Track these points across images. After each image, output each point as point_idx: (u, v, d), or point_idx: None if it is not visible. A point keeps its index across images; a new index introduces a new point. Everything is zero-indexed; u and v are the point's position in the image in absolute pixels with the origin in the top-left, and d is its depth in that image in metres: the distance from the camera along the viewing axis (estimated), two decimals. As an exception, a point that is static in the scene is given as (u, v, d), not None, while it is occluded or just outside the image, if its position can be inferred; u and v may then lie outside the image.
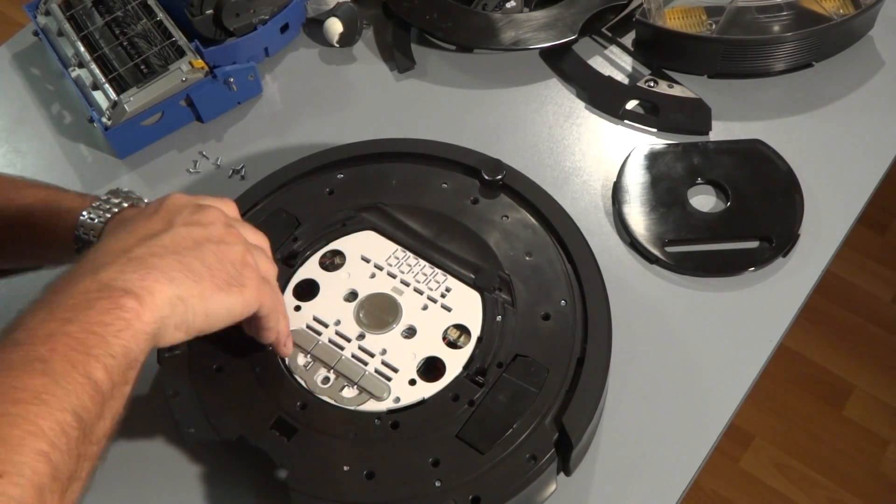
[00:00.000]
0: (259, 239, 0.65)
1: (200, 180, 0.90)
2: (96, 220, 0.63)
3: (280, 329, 0.64)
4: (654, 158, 0.86)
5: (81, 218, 0.64)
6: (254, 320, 0.61)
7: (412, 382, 0.68)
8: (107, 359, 0.45)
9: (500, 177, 0.78)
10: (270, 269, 0.64)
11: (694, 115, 0.89)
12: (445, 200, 0.78)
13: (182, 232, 0.53)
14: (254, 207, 0.79)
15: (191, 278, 0.51)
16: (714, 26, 0.93)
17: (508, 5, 0.99)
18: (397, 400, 0.67)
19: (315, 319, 0.72)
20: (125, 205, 0.66)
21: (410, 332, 0.71)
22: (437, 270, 0.73)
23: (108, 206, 0.65)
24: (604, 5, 0.96)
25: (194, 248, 0.52)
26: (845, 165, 0.86)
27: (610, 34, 0.97)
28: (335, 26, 0.97)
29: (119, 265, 0.49)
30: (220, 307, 0.53)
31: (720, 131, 0.89)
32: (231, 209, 0.62)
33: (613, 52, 0.97)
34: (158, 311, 0.48)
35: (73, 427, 0.42)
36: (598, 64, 0.96)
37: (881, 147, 0.88)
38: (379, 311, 0.72)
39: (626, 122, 0.91)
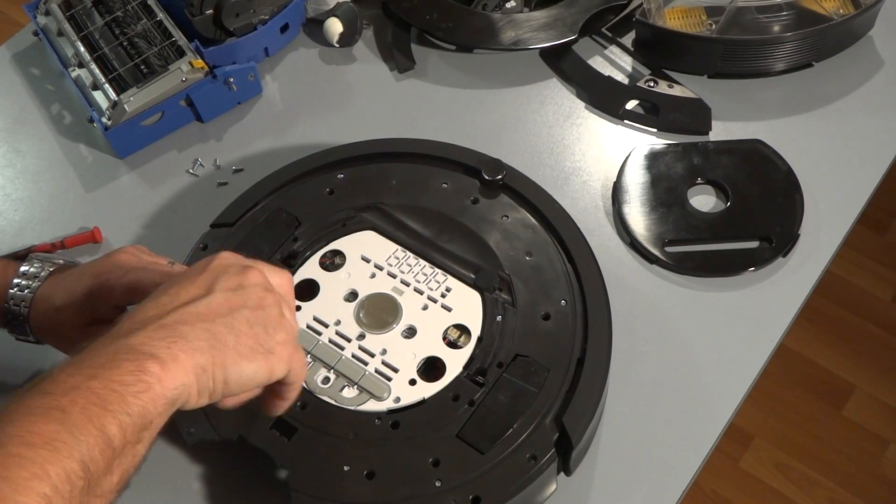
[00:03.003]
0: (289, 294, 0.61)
1: (200, 181, 0.90)
2: (26, 292, 0.67)
3: (292, 400, 0.61)
4: (654, 158, 0.86)
5: (10, 291, 0.67)
6: (274, 387, 0.58)
7: (412, 382, 0.68)
8: (122, 416, 0.47)
9: (500, 177, 0.78)
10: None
11: (694, 115, 0.89)
12: (445, 200, 0.78)
13: (219, 298, 0.54)
14: (254, 207, 0.79)
15: (216, 347, 0.52)
16: (714, 26, 0.93)
17: (508, 5, 0.99)
18: (397, 400, 0.67)
19: (315, 319, 0.72)
20: (46, 272, 0.68)
21: (410, 332, 0.71)
22: (437, 270, 0.73)
23: (27, 285, 0.68)
24: (604, 5, 0.95)
25: (227, 314, 0.53)
26: (845, 165, 0.86)
27: (610, 34, 0.97)
28: (335, 26, 0.97)
29: (149, 331, 0.51)
30: (240, 374, 0.53)
31: (720, 131, 0.89)
32: (284, 281, 0.60)
33: (613, 52, 0.97)
34: (181, 378, 0.50)
35: (78, 476, 0.44)
36: (598, 64, 0.96)
37: (881, 147, 0.88)
38: (379, 311, 0.72)
39: (626, 122, 0.91)
